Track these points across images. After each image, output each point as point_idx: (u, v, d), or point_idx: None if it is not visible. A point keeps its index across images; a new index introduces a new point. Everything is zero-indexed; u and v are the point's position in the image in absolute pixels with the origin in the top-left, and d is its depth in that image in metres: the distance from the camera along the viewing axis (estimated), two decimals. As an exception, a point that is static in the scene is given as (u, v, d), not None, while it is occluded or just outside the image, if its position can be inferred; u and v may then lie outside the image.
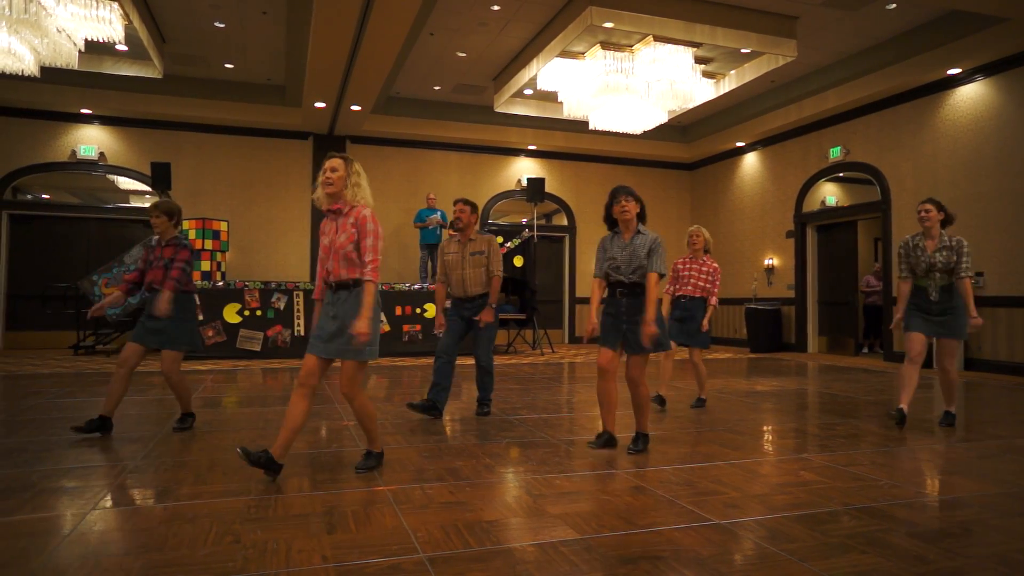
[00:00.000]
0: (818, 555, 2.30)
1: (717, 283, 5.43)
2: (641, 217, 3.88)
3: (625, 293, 3.82)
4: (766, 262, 12.28)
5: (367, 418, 3.35)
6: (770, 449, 4.08)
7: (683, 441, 4.19)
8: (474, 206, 5.07)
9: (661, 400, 5.47)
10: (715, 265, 5.46)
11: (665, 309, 5.34)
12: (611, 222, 3.95)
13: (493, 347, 5.07)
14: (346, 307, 3.23)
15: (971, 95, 8.81)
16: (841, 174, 10.95)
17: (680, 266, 5.53)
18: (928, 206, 4.61)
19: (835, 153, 10.80)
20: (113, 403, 4.16)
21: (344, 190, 3.26)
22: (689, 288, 5.40)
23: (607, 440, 3.94)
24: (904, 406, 4.56)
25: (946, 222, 4.66)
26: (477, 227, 5.09)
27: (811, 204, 11.52)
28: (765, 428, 4.74)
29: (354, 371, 3.23)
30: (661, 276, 3.74)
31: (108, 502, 2.83)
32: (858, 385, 7.07)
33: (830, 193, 11.39)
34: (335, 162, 3.29)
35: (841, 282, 11.16)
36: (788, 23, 8.63)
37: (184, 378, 4.44)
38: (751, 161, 12.84)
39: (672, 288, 5.54)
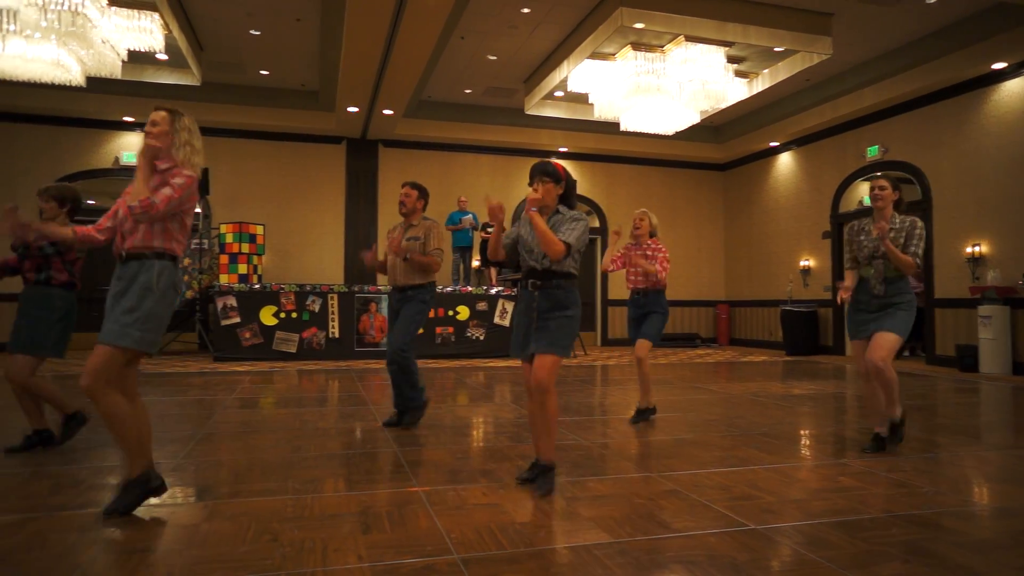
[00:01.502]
0: (858, 563, 2.25)
1: (661, 262, 4.76)
2: (564, 199, 3.20)
3: (537, 285, 3.12)
4: (801, 263, 12.06)
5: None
6: (807, 453, 4.01)
7: (717, 445, 4.14)
8: (422, 190, 4.64)
9: (647, 412, 4.86)
10: (661, 247, 4.84)
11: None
12: None
13: (411, 337, 4.46)
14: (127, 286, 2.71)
15: (1018, 90, 8.53)
16: (879, 173, 10.68)
17: (626, 256, 4.93)
18: (883, 182, 3.99)
19: (873, 152, 10.57)
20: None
21: (171, 148, 2.81)
22: (640, 279, 4.83)
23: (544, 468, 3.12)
24: (881, 429, 3.98)
25: (898, 204, 4.02)
26: (423, 213, 4.67)
27: (848, 204, 11.28)
28: (802, 432, 4.66)
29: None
30: (568, 247, 3.01)
31: (152, 499, 2.91)
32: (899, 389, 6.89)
33: (868, 193, 11.12)
34: (158, 114, 2.82)
35: (880, 283, 10.89)
36: (823, 20, 8.47)
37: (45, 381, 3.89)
38: (785, 161, 12.63)
39: (628, 283, 4.97)
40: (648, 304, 4.81)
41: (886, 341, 3.81)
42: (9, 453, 3.71)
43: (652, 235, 4.94)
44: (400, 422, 4.56)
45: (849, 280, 4.11)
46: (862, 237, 4.02)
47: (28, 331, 3.69)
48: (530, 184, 3.17)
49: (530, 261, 3.14)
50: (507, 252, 3.31)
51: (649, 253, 4.83)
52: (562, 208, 3.16)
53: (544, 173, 3.13)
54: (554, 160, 3.24)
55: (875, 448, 3.93)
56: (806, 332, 11.42)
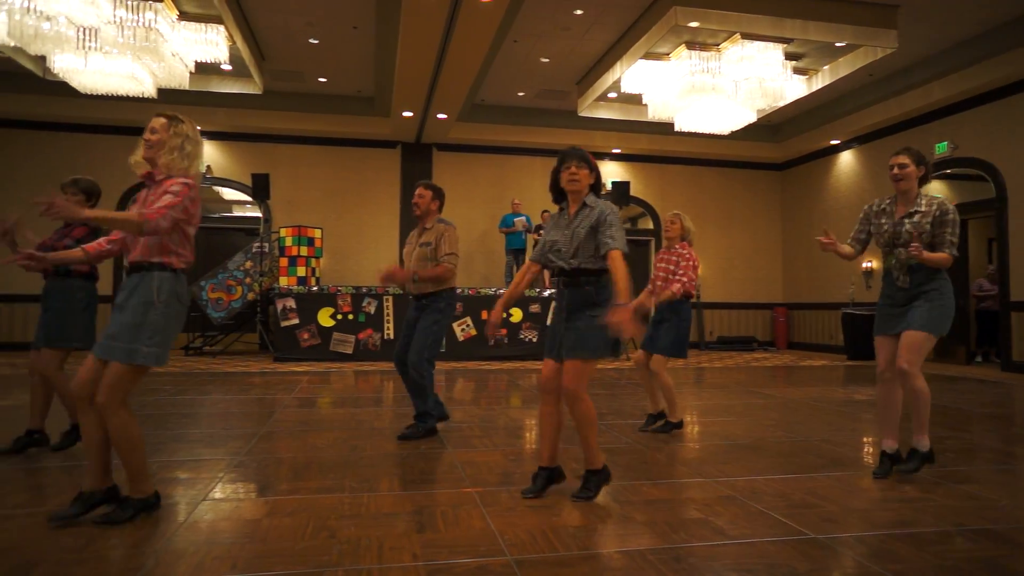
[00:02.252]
0: (927, 577, 2.16)
1: (686, 271, 4.46)
2: (594, 189, 3.09)
3: (567, 282, 3.02)
4: (864, 265, 11.64)
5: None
6: (870, 462, 3.86)
7: (774, 451, 4.03)
8: (437, 191, 4.44)
9: (659, 419, 4.65)
10: (686, 253, 4.52)
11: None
12: (558, 194, 3.16)
13: (427, 354, 4.25)
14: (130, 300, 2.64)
15: (1101, 81, 8.04)
16: (948, 170, 10.24)
17: (656, 262, 4.71)
18: (903, 159, 3.39)
19: (941, 148, 10.11)
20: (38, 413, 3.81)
21: (159, 154, 2.72)
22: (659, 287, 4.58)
23: (547, 479, 3.04)
24: (890, 446, 3.40)
25: (924, 180, 3.46)
26: (438, 215, 4.45)
27: (915, 203, 10.82)
28: (865, 439, 4.50)
29: None
30: (624, 253, 2.90)
31: (216, 494, 3.02)
32: (971, 396, 6.59)
33: (936, 191, 10.68)
34: (157, 121, 2.75)
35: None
36: (887, 12, 8.16)
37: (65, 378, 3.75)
38: (847, 160, 12.21)
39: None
40: (664, 311, 4.53)
41: (913, 341, 3.26)
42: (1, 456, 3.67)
43: (683, 239, 4.63)
44: (409, 433, 4.29)
45: (840, 248, 3.59)
46: (883, 220, 3.49)
47: (53, 324, 3.65)
48: (565, 168, 3.02)
49: (558, 261, 3.03)
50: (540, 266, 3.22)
51: (673, 259, 4.56)
52: (590, 200, 3.03)
53: (582, 159, 3.03)
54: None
55: (883, 472, 3.34)
56: (869, 336, 10.93)
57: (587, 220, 2.97)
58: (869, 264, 11.55)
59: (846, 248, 3.65)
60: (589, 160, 3.05)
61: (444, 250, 4.26)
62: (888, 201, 3.55)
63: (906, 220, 3.40)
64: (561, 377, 2.95)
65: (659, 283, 4.62)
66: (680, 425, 4.58)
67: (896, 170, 3.42)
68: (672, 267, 4.56)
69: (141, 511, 2.64)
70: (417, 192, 4.44)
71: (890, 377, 3.41)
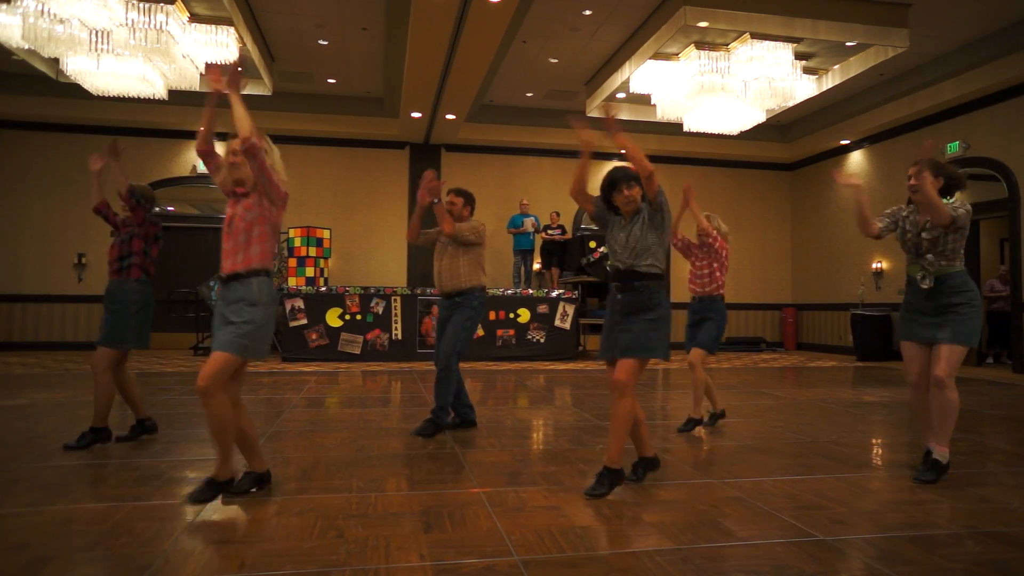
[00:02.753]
0: (936, 580, 2.15)
1: (722, 262, 4.55)
2: (646, 199, 3.19)
3: (619, 287, 3.14)
4: (874, 266, 11.57)
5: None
6: (880, 463, 3.85)
7: (782, 452, 4.02)
8: (468, 196, 4.60)
9: (718, 416, 4.83)
10: (717, 244, 4.60)
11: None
12: (613, 209, 3.28)
13: (459, 348, 4.39)
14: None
15: (1116, 80, 7.96)
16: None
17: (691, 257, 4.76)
18: (923, 171, 3.33)
19: (953, 148, 10.04)
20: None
21: (244, 171, 3.04)
22: (698, 285, 4.66)
23: (646, 468, 3.30)
24: (937, 447, 3.37)
25: (952, 188, 3.48)
26: (471, 219, 4.64)
27: (927, 203, 10.75)
28: (874, 441, 4.47)
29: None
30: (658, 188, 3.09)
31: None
32: (982, 398, 6.53)
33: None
34: (234, 143, 3.04)
35: (962, 287, 10.33)
36: (899, 11, 8.11)
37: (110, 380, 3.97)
38: (857, 160, 12.14)
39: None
40: (703, 310, 4.63)
41: (951, 354, 3.31)
42: (119, 441, 4.04)
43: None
44: (453, 424, 4.54)
45: (866, 210, 3.56)
46: (907, 228, 3.52)
47: (109, 325, 3.90)
48: (619, 193, 3.16)
49: (613, 261, 3.16)
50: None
51: (717, 246, 4.62)
52: (643, 205, 3.16)
53: (632, 179, 3.15)
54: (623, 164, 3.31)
55: (929, 474, 3.32)
56: (878, 337, 10.93)
57: (640, 218, 3.13)
58: (879, 265, 11.48)
59: (876, 224, 3.62)
60: (638, 177, 3.14)
61: (465, 227, 4.43)
62: (911, 209, 3.60)
63: (923, 232, 3.45)
64: (613, 374, 3.08)
65: (692, 279, 4.74)
66: (701, 421, 4.67)
67: (912, 181, 3.44)
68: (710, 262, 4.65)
69: (257, 484, 3.03)
70: (449, 199, 4.54)
71: (924, 384, 3.46)
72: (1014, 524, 2.70)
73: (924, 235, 3.42)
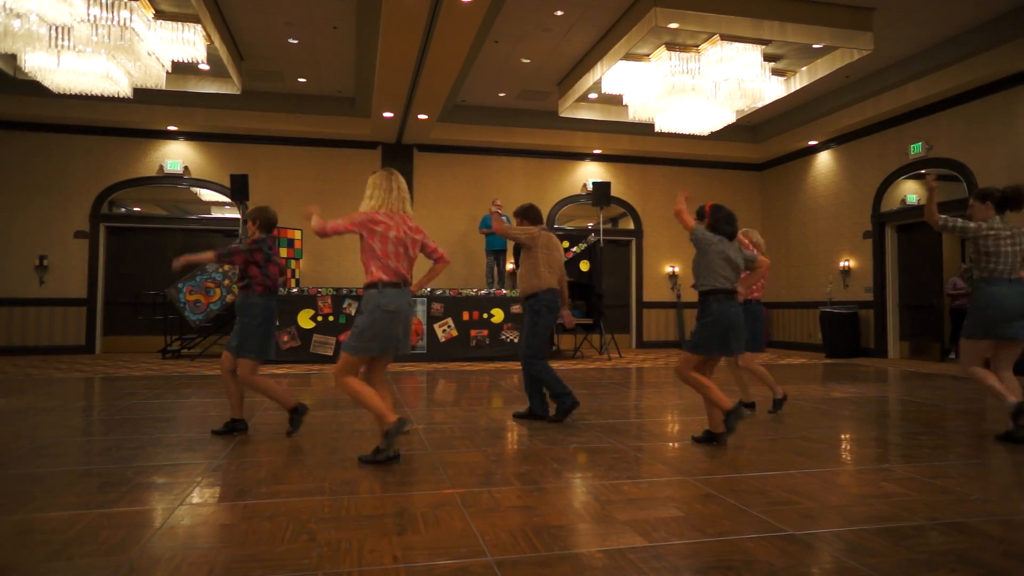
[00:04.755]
0: (902, 571, 2.20)
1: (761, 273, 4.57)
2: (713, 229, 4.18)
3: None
4: (841, 264, 11.80)
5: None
6: (848, 458, 3.92)
7: (754, 448, 4.07)
8: (524, 214, 5.21)
9: (781, 402, 5.38)
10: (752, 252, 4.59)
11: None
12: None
13: (531, 342, 4.93)
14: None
15: (1069, 83, 8.22)
16: (923, 171, 10.41)
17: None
18: (970, 201, 4.45)
19: (916, 149, 10.29)
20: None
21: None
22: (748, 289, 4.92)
23: (733, 413, 4.08)
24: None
25: (1006, 205, 4.35)
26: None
27: (890, 203, 11.00)
28: (842, 436, 4.56)
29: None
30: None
31: (194, 498, 2.99)
32: (945, 392, 6.70)
33: (911, 191, 10.85)
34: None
35: (924, 284, 10.60)
36: (863, 15, 8.29)
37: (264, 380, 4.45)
38: (825, 160, 12.37)
39: None
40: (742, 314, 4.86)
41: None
42: (213, 435, 4.37)
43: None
44: (551, 416, 4.97)
45: (933, 205, 4.50)
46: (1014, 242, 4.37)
47: (236, 335, 4.31)
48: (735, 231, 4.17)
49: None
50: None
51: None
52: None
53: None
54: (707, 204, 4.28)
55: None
56: (846, 334, 11.15)
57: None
58: (847, 263, 11.71)
59: (940, 218, 4.53)
60: (700, 212, 4.31)
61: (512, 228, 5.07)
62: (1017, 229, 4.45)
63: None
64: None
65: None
66: (784, 398, 5.36)
67: (968, 211, 4.42)
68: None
69: (400, 429, 3.56)
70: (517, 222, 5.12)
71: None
72: (973, 515, 2.78)
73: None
